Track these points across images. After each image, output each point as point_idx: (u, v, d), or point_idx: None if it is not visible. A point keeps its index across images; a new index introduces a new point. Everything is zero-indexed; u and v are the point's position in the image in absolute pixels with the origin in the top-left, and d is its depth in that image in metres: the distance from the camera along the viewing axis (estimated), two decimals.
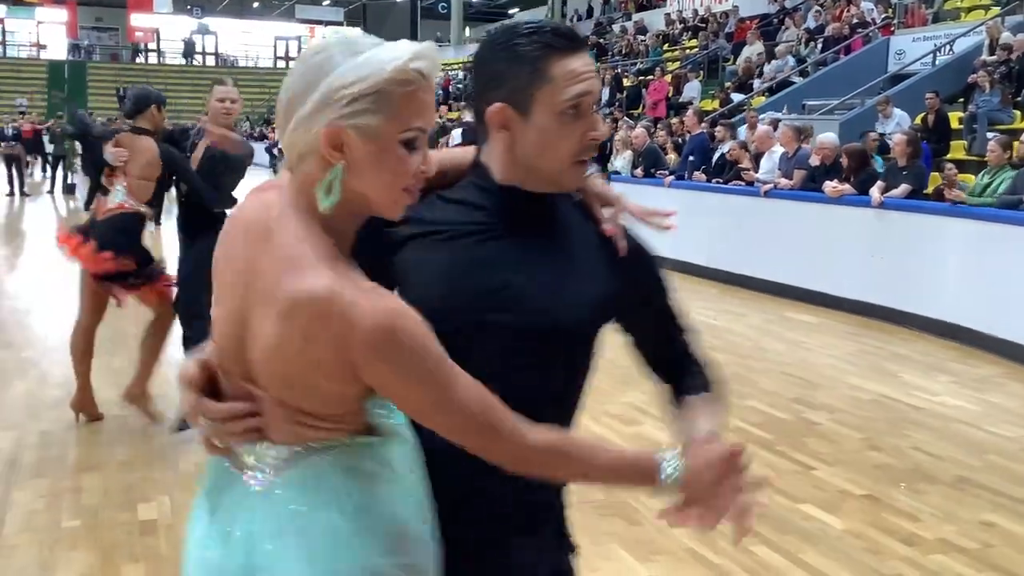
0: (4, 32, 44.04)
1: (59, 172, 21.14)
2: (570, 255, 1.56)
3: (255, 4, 47.43)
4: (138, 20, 41.90)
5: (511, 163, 1.52)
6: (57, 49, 44.47)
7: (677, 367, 1.71)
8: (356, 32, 1.37)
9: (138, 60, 45.74)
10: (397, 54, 1.31)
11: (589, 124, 1.49)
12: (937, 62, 13.55)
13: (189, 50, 46.32)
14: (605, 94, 20.29)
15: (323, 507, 1.38)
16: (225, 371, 1.45)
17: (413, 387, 1.31)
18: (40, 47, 45.24)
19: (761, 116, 12.17)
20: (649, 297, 1.66)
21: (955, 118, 11.44)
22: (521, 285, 1.50)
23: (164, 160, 4.93)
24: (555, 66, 1.45)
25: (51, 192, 20.90)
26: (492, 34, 1.56)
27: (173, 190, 5.17)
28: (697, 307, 8.82)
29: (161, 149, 4.93)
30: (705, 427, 1.60)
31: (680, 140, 13.11)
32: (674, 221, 1.67)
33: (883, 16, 16.46)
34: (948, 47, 13.65)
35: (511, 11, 41.74)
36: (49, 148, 22.25)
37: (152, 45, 45.88)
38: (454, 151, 1.65)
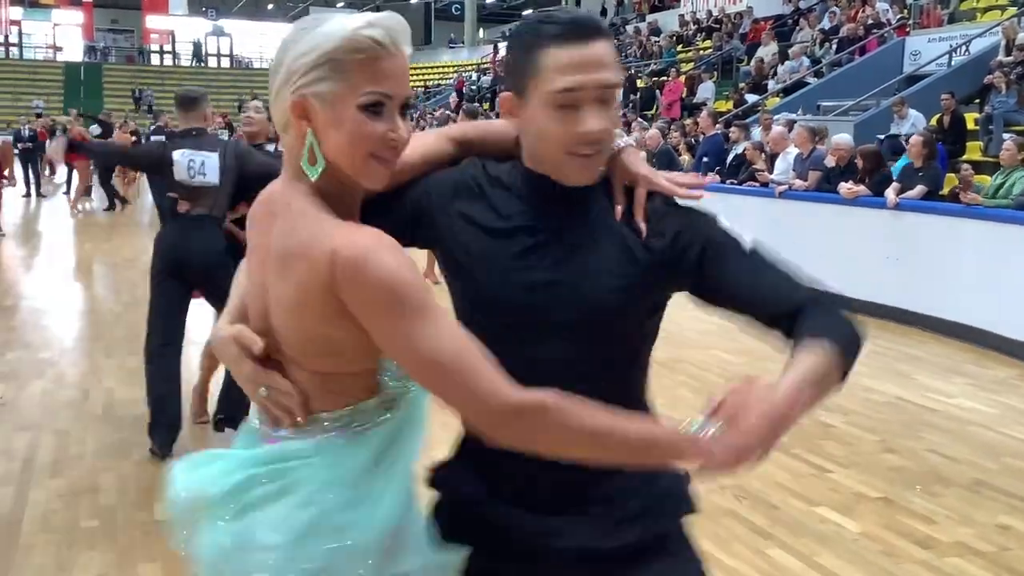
0: (20, 34, 44.30)
1: (75, 174, 21.22)
2: (598, 242, 1.50)
3: (270, 6, 47.58)
4: (153, 22, 42.10)
5: (525, 149, 1.52)
6: (73, 51, 44.73)
7: (786, 317, 1.49)
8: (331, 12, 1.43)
9: (153, 62, 45.96)
10: (350, 23, 1.36)
11: (581, 118, 1.42)
12: (953, 63, 13.49)
13: (198, 52, 46.48)
14: (619, 95, 20.29)
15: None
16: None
17: (384, 318, 1.31)
18: (56, 49, 45.51)
19: (776, 117, 12.14)
20: (702, 258, 1.51)
21: (971, 119, 11.39)
22: (548, 280, 1.49)
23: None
24: (547, 56, 1.42)
25: (67, 193, 21.01)
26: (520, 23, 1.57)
27: None
28: (710, 309, 8.81)
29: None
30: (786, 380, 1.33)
31: (693, 141, 13.09)
32: (703, 192, 1.60)
33: (898, 17, 16.40)
34: (964, 48, 13.59)
35: (525, 12, 41.74)
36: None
37: (167, 47, 46.07)
38: (496, 123, 1.65)
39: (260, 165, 4.69)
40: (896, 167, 9.10)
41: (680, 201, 1.57)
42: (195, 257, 4.59)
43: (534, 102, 1.44)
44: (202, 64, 46.09)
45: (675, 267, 1.51)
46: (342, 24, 1.36)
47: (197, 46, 46.21)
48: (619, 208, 1.52)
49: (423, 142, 1.60)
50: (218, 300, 4.23)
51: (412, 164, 1.54)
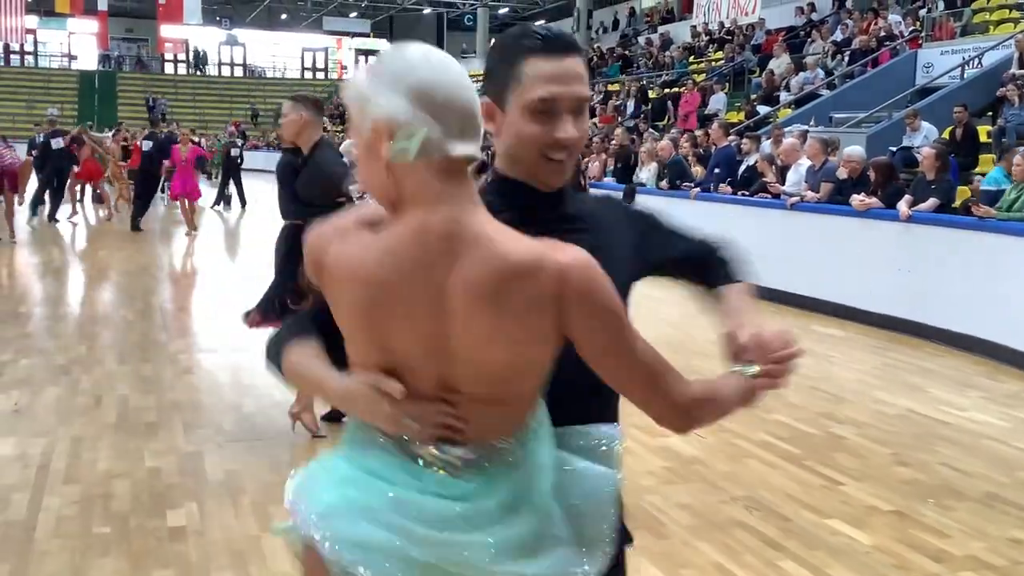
0: (36, 43, 44.59)
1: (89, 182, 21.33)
2: (580, 243, 1.53)
3: (283, 16, 47.78)
4: (168, 31, 42.30)
5: (500, 154, 1.64)
6: (88, 60, 45.01)
7: (699, 267, 1.84)
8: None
9: (167, 71, 46.22)
10: None
11: (557, 126, 1.55)
12: (966, 75, 13.47)
13: (202, 61, 46.66)
14: (630, 106, 20.32)
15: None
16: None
17: (604, 328, 1.42)
18: (71, 57, 45.80)
19: (788, 129, 12.14)
20: (651, 244, 1.79)
21: (983, 132, 11.37)
22: None
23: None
24: (528, 66, 1.54)
25: (80, 201, 21.12)
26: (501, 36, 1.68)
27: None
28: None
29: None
30: (743, 317, 1.72)
31: (703, 152, 13.10)
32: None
33: (911, 29, 16.39)
34: (977, 60, 13.58)
35: (537, 23, 41.72)
36: None
37: (182, 56, 46.31)
38: None
39: None
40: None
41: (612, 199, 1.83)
42: None
43: (514, 108, 1.56)
44: (199, 73, 46.22)
45: (641, 257, 1.74)
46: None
47: (197, 55, 46.41)
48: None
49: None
50: None
51: None
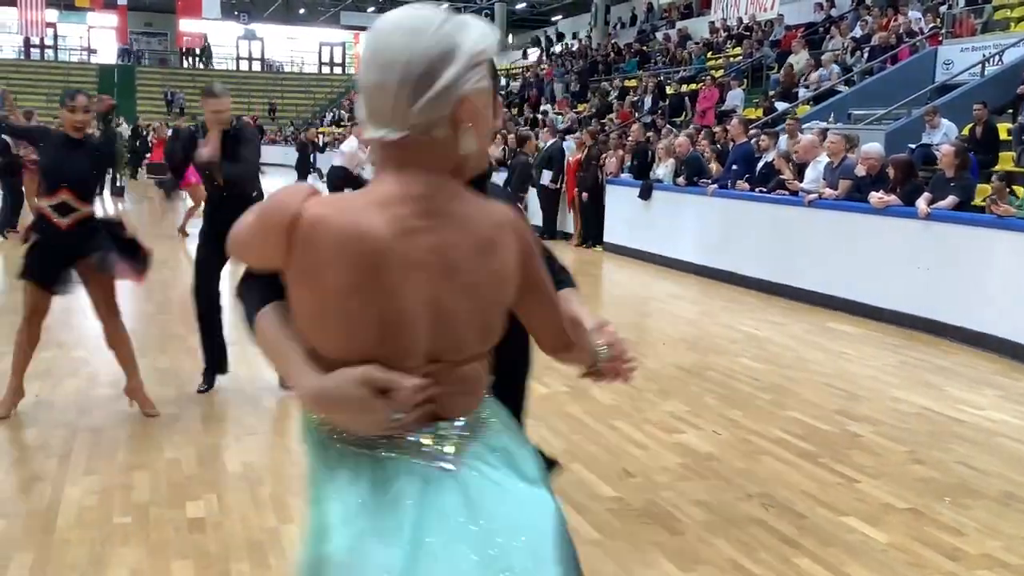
0: (56, 37, 44.87)
1: (108, 174, 21.50)
2: None
3: (301, 10, 47.90)
4: (187, 25, 42.51)
5: None
6: (107, 53, 45.25)
7: None
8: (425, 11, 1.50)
9: (185, 64, 46.40)
10: (482, 24, 1.54)
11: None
12: (986, 72, 13.40)
13: (206, 55, 46.75)
14: (647, 102, 20.29)
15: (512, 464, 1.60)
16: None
17: (539, 258, 1.62)
18: (91, 51, 46.07)
19: (806, 125, 12.10)
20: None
21: (1003, 129, 11.30)
22: None
23: None
24: None
25: (100, 194, 21.28)
26: None
27: None
28: (738, 317, 8.80)
29: None
30: (587, 315, 1.93)
31: (720, 148, 13.07)
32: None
33: (931, 26, 16.30)
34: (997, 57, 13.50)
35: (554, 18, 41.79)
36: None
37: (199, 50, 46.51)
38: None
39: None
40: None
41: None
42: None
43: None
44: (204, 67, 46.36)
45: None
46: (482, 25, 1.51)
47: (205, 50, 46.52)
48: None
49: None
50: None
51: None
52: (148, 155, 23.69)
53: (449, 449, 1.51)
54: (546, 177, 14.72)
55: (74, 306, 8.72)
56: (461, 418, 1.53)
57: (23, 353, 5.27)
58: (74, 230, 5.04)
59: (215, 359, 5.84)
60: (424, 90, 1.42)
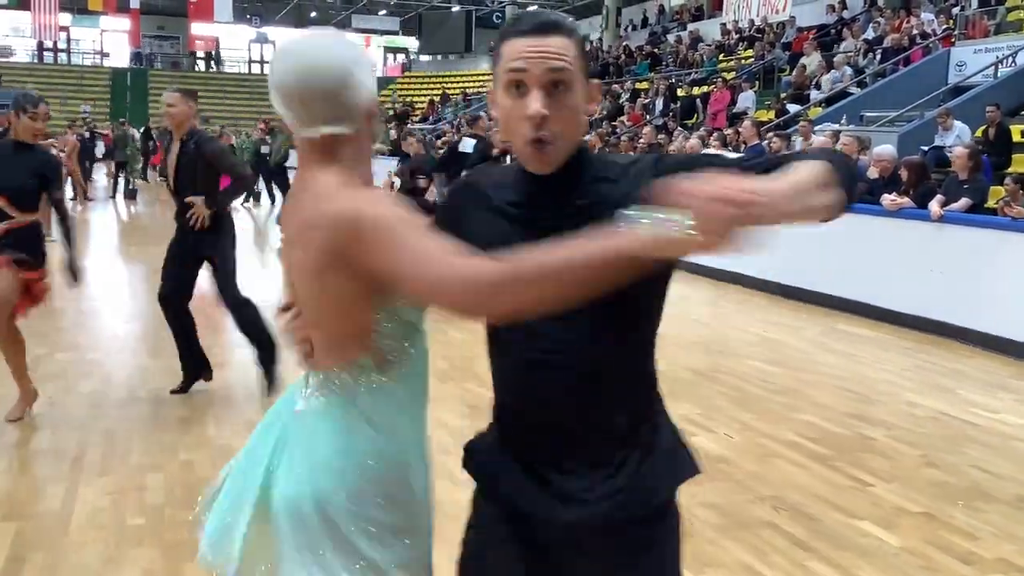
0: (69, 40, 45.08)
1: (120, 178, 21.59)
2: (579, 227, 1.48)
3: (313, 14, 48.01)
4: (199, 29, 42.65)
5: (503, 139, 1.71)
6: (120, 57, 45.44)
7: (758, 167, 1.56)
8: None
9: (198, 68, 46.59)
10: None
11: (526, 101, 1.55)
12: (999, 74, 13.34)
13: (215, 59, 47.05)
14: (659, 104, 20.27)
15: (331, 432, 1.72)
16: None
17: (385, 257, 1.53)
18: (103, 55, 46.27)
19: (818, 127, 12.07)
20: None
21: (1017, 131, 11.26)
22: None
23: None
24: (505, 46, 1.59)
25: (112, 197, 21.36)
26: None
27: None
28: (752, 319, 8.78)
29: None
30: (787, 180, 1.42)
31: (731, 150, 13.04)
32: None
33: (944, 27, 16.24)
34: (1010, 59, 13.44)
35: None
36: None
37: (213, 53, 46.73)
38: None
39: None
40: None
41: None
42: None
43: (498, 87, 1.61)
44: (212, 70, 46.62)
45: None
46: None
47: (209, 55, 46.83)
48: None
49: None
50: None
51: None
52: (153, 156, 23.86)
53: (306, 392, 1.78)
54: None
55: (90, 309, 8.77)
56: (320, 373, 1.74)
57: (10, 352, 5.23)
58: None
59: (194, 366, 5.90)
60: (346, 91, 1.65)
